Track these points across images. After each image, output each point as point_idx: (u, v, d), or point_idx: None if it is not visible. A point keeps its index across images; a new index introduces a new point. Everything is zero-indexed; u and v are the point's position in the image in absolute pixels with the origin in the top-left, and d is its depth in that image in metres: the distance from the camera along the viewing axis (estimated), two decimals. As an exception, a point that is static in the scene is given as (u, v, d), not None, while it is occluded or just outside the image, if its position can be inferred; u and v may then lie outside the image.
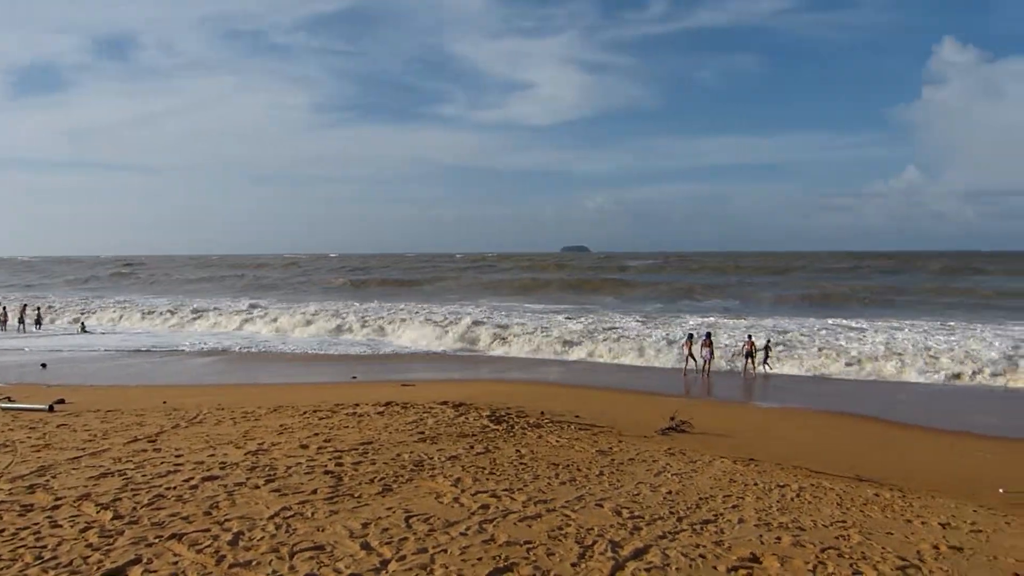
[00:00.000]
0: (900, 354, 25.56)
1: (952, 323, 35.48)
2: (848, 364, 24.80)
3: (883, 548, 7.23)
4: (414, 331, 34.39)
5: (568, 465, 10.31)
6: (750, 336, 26.09)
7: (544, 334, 31.31)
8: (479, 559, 6.22)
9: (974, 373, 23.42)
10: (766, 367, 24.96)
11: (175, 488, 8.18)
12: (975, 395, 21.24)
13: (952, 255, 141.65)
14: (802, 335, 30.81)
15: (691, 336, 25.92)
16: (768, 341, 26.45)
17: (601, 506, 8.11)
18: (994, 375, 23.21)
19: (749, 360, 24.88)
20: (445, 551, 6.37)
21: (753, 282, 65.97)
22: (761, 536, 7.35)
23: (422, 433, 12.08)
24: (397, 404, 15.39)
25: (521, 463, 10.25)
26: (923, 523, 8.51)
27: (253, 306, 47.68)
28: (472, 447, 11.16)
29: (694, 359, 24.94)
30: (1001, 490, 11.40)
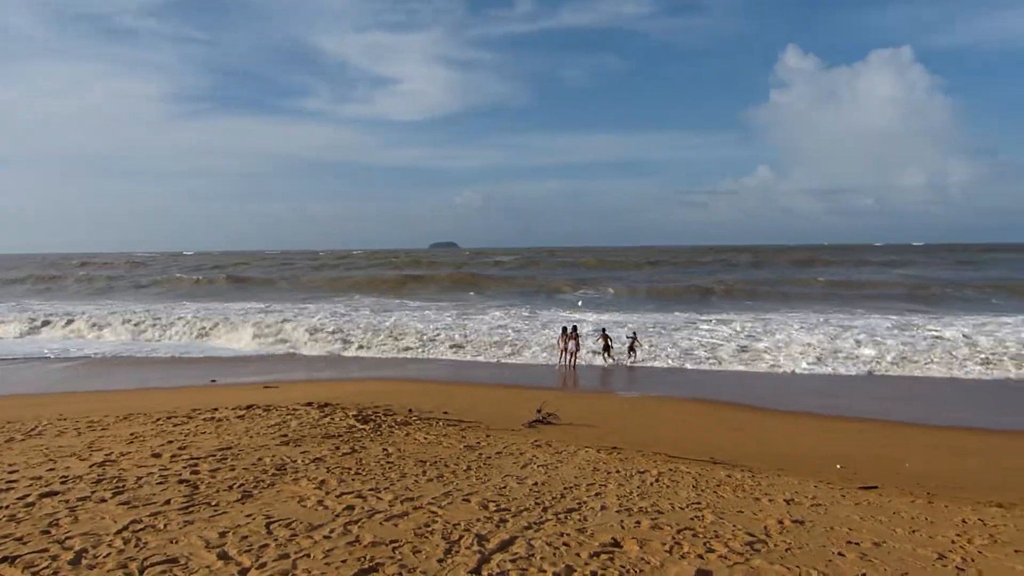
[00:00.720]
0: (763, 346, 27.21)
1: (816, 314, 38.06)
2: (709, 355, 26.06)
3: (734, 526, 7.67)
4: (236, 333, 33.17)
5: (436, 462, 10.31)
6: (604, 330, 27.48)
7: (391, 334, 31.09)
8: (343, 561, 6.12)
9: (820, 359, 25.22)
10: (631, 358, 25.92)
11: (7, 507, 7.57)
12: (820, 381, 22.83)
13: (805, 249, 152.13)
14: (666, 328, 32.18)
15: (564, 329, 26.52)
16: (634, 334, 27.46)
17: (468, 501, 8.16)
18: (847, 358, 25.09)
19: (607, 353, 25.96)
20: (308, 555, 6.23)
21: (620, 276, 68.18)
22: (622, 521, 7.63)
23: (285, 436, 11.74)
24: (259, 407, 14.87)
25: (388, 462, 10.16)
26: (770, 500, 9.09)
27: (50, 314, 41.00)
28: (338, 448, 10.96)
29: (566, 352, 25.56)
30: (839, 466, 12.35)
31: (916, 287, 52.93)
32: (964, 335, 28.66)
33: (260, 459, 9.95)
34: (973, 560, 6.99)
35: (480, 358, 27.18)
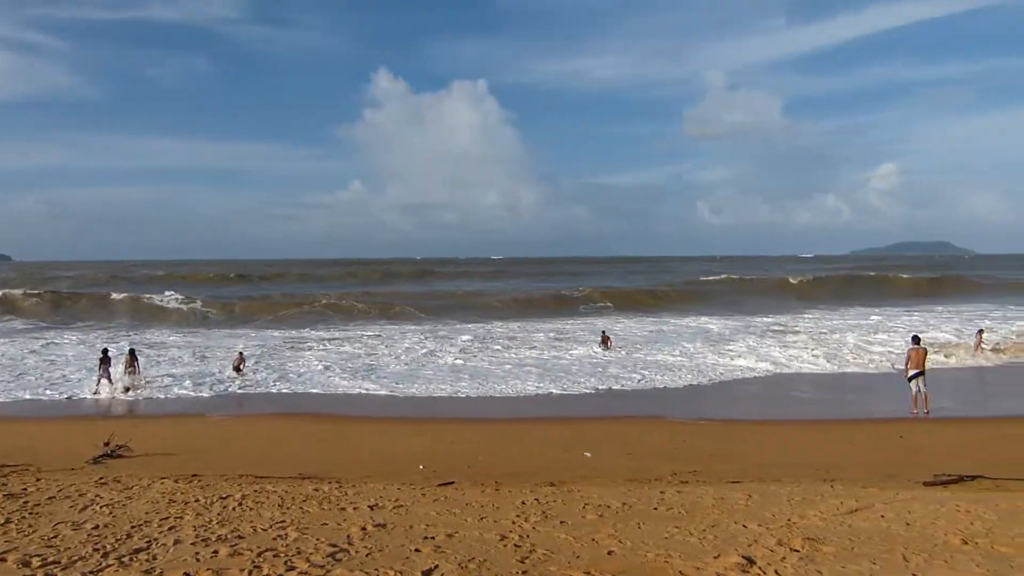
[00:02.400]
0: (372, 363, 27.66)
1: (416, 326, 39.73)
2: (301, 375, 25.35)
3: (317, 539, 7.63)
4: None
5: (-36, 518, 8.58)
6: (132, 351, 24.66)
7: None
8: None
9: (411, 368, 26.53)
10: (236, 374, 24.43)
11: None
12: (416, 385, 23.99)
13: (410, 262, 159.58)
14: (272, 346, 31.20)
15: (105, 352, 23.23)
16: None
17: (4, 560, 6.92)
18: (439, 369, 26.67)
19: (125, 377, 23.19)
20: None
21: (216, 294, 64.32)
22: (198, 553, 7.11)
23: None
24: None
25: None
26: (355, 508, 9.24)
27: None
28: None
29: (108, 380, 22.44)
30: (421, 467, 13.09)
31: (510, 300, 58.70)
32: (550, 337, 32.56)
33: None
34: (528, 536, 7.88)
35: (26, 395, 22.87)
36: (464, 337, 34.94)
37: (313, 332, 38.46)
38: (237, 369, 25.10)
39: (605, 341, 31.22)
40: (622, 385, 23.09)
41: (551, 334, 36.84)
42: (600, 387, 22.87)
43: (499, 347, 31.95)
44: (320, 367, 26.34)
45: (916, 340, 20.50)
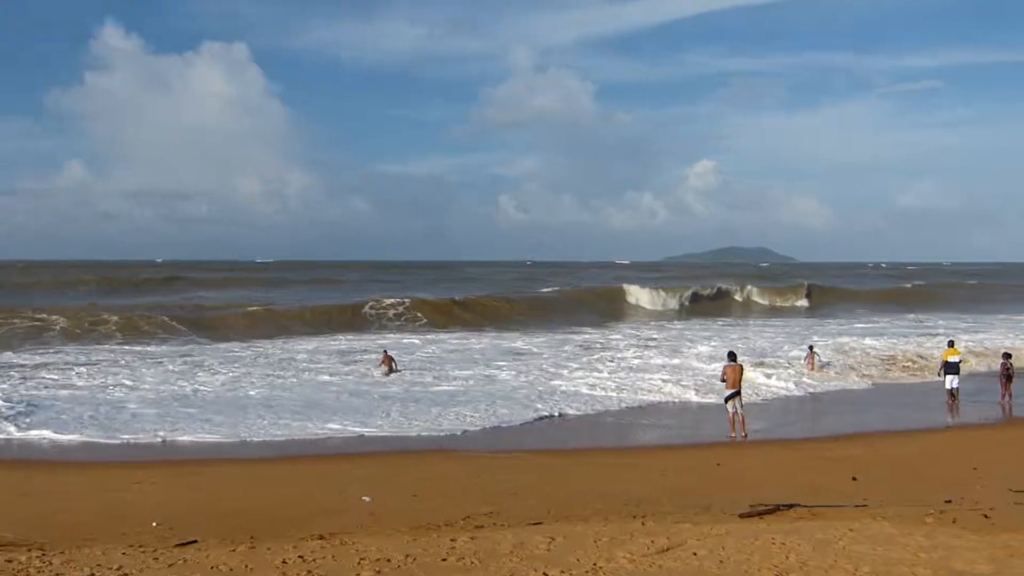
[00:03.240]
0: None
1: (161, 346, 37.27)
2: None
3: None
4: None
5: None
6: None
7: None
8: None
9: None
10: None
11: None
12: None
13: (148, 265, 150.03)
14: None
15: None
16: None
17: None
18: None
19: None
20: None
21: None
22: None
23: None
24: None
25: None
26: (60, 583, 8.49)
27: None
28: None
29: None
30: (155, 523, 12.29)
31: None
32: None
33: None
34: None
35: None
36: (220, 363, 33.53)
37: (19, 356, 35.37)
38: None
39: (387, 362, 31.19)
40: (407, 416, 23.06)
41: (328, 356, 36.32)
42: (382, 418, 22.76)
43: (270, 372, 31.11)
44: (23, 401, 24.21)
45: (732, 357, 22.14)
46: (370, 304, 58.46)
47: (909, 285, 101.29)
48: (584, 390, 27.46)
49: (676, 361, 33.77)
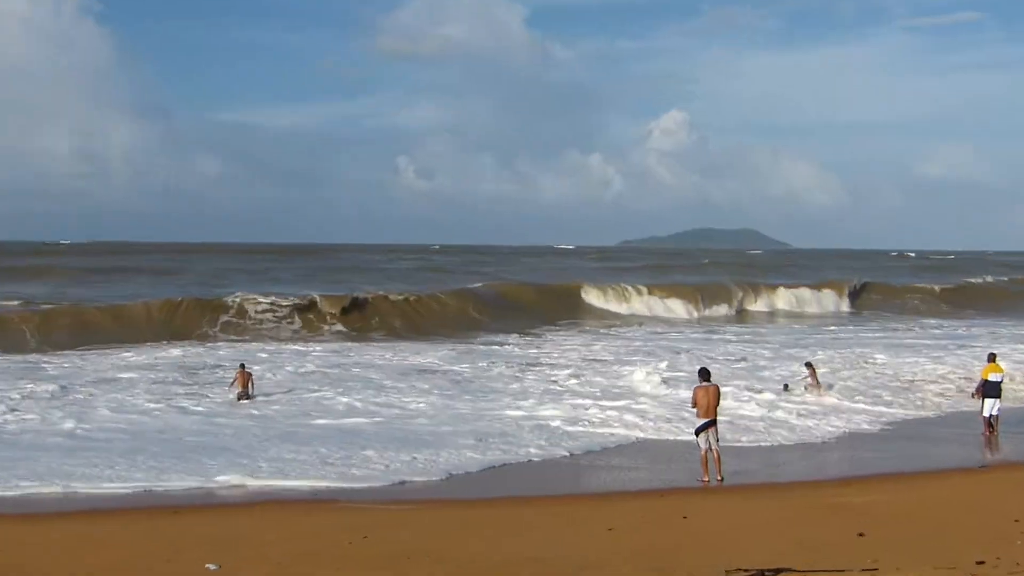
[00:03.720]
0: None
1: None
2: None
3: None
4: None
5: None
6: None
7: None
8: None
9: None
10: None
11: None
12: None
13: None
14: None
15: None
16: None
17: None
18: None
19: None
20: None
21: None
22: None
23: None
24: None
25: None
26: None
27: None
28: None
29: None
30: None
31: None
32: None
33: None
34: None
35: None
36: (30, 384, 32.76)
37: None
38: None
39: (244, 381, 30.72)
40: (272, 458, 22.76)
41: (161, 373, 35.78)
42: (241, 458, 22.49)
43: (80, 395, 30.61)
44: None
45: (705, 375, 21.95)
46: (225, 302, 57.46)
47: (980, 280, 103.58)
48: (511, 423, 27.60)
49: (633, 383, 34.18)
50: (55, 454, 22.47)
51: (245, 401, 30.15)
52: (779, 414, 29.56)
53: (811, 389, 32.48)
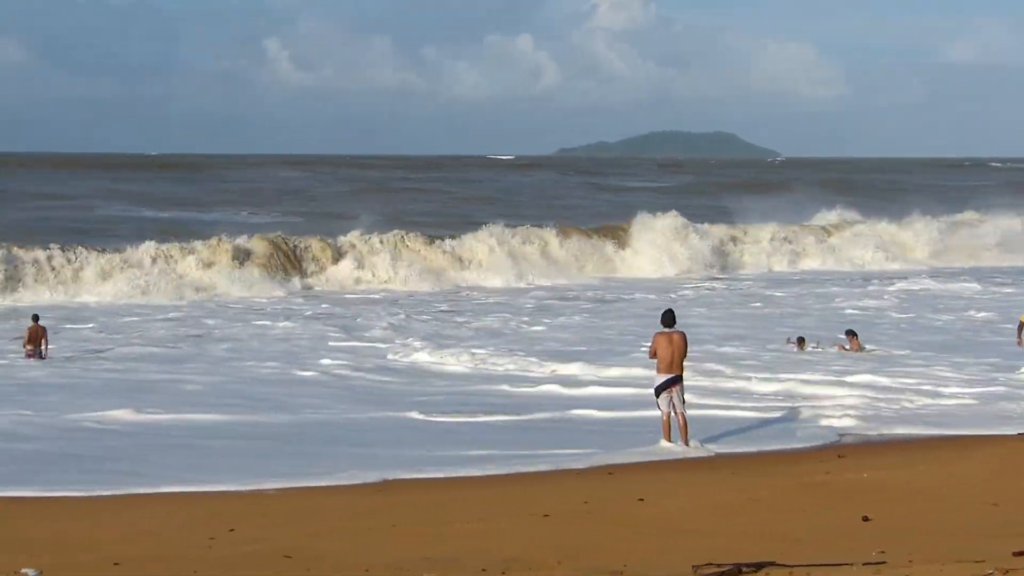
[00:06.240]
0: None
1: None
2: None
3: None
4: None
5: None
6: None
7: None
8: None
9: None
10: None
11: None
12: None
13: None
14: None
15: None
16: None
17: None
18: None
19: None
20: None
21: None
22: None
23: None
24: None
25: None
26: None
27: None
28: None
29: None
30: None
31: None
32: None
33: None
34: None
35: None
36: None
37: None
38: None
39: (35, 338, 31.97)
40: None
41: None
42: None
43: None
44: None
45: (668, 319, 21.67)
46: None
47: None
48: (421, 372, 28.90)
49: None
50: None
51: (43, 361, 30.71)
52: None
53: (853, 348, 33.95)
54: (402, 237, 65.87)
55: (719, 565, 12.18)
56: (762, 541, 13.72)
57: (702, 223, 76.34)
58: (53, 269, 53.53)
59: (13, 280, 51.66)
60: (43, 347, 31.43)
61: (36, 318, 32.53)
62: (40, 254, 54.18)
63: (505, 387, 28.72)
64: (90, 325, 41.04)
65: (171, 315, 45.49)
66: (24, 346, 31.53)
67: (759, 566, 12.16)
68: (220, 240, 59.58)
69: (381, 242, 64.23)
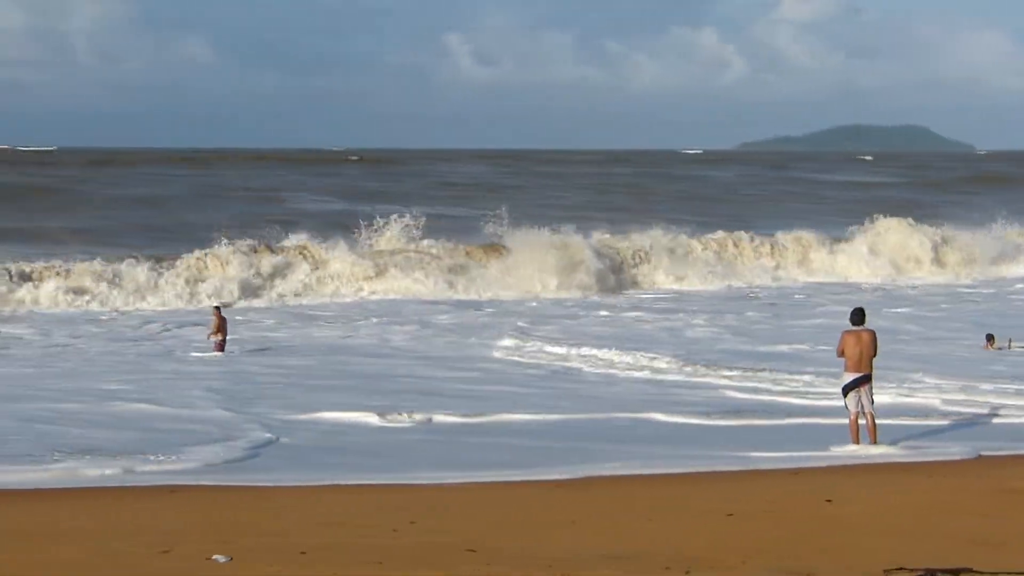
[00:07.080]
0: None
1: None
2: None
3: None
4: None
5: None
6: None
7: None
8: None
9: None
10: None
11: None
12: None
13: None
14: None
15: None
16: None
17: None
18: None
19: None
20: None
21: None
22: None
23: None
24: None
25: None
26: None
27: None
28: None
29: None
30: None
31: None
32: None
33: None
34: None
35: None
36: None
37: None
38: None
39: (220, 327, 32.07)
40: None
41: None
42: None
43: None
44: None
45: (858, 318, 21.24)
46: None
47: None
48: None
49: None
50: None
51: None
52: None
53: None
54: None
55: (912, 570, 11.96)
56: (957, 546, 13.39)
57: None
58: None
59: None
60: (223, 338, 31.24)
61: (219, 308, 32.70)
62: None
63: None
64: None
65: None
66: (212, 336, 31.34)
67: (955, 572, 11.86)
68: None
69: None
